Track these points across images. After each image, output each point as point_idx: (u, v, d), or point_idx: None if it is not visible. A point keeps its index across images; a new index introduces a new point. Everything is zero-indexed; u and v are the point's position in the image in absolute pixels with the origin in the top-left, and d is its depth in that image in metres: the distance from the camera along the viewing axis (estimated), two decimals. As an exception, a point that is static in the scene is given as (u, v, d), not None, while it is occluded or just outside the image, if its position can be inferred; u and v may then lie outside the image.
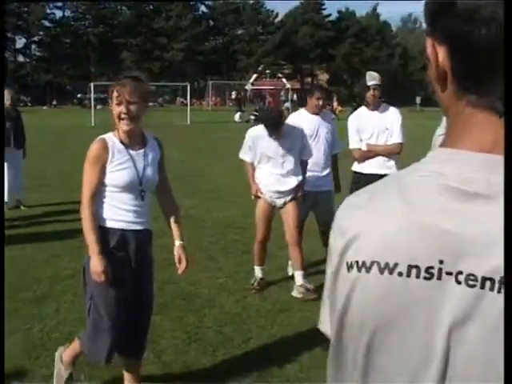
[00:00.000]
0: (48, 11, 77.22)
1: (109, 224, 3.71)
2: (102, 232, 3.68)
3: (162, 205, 4.09)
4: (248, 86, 59.41)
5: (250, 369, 4.61)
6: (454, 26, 0.82)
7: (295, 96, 55.06)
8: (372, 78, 6.56)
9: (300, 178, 6.14)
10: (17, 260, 7.32)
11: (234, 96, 50.93)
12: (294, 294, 6.13)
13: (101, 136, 3.75)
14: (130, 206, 3.74)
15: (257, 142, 6.22)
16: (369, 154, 6.51)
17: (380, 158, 6.47)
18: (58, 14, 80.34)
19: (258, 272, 6.44)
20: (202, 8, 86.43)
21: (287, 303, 5.99)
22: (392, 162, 6.50)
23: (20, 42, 77.56)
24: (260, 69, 79.02)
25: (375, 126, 6.53)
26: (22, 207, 10.32)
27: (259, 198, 6.27)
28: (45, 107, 57.20)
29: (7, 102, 10.20)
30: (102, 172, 3.64)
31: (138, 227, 3.79)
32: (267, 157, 6.14)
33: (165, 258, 7.30)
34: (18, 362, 4.63)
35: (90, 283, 3.73)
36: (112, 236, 3.71)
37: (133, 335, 3.95)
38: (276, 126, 5.93)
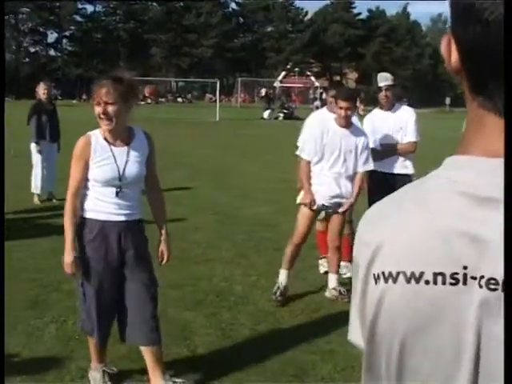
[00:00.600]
0: (79, 6, 77.92)
1: (90, 215, 3.89)
2: (85, 222, 3.90)
3: (149, 198, 4.22)
4: (276, 84, 59.38)
5: (285, 368, 4.60)
6: (465, 27, 0.83)
7: (324, 94, 54.82)
8: (383, 79, 6.53)
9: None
10: (57, 251, 7.37)
11: (263, 93, 50.93)
12: (327, 294, 6.10)
13: (88, 132, 3.91)
14: (110, 199, 3.88)
15: (324, 133, 5.84)
16: (382, 154, 6.46)
17: (395, 158, 6.45)
18: (90, 8, 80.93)
19: (283, 277, 6.02)
20: (232, 5, 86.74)
21: (321, 303, 5.95)
22: (408, 162, 6.49)
23: (52, 37, 78.46)
24: (289, 66, 79.00)
25: (389, 126, 6.51)
26: (54, 200, 10.40)
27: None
28: (74, 101, 57.61)
29: (43, 95, 10.28)
30: (85, 168, 3.83)
31: (119, 218, 3.92)
32: (331, 152, 5.83)
33: (196, 253, 7.39)
34: (54, 354, 4.66)
35: (80, 270, 3.94)
36: (94, 226, 3.88)
37: (133, 322, 4.05)
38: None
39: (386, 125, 6.53)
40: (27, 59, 77.45)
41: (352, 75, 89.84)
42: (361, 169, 5.90)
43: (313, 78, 64.57)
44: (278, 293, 5.93)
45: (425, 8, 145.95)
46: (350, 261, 5.81)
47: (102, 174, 3.83)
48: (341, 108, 5.69)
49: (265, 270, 6.83)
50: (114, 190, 3.87)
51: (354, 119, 6.51)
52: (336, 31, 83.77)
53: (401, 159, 6.47)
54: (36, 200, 10.38)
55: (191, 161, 15.76)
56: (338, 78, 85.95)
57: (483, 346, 0.81)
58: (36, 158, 10.47)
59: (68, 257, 3.85)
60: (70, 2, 74.03)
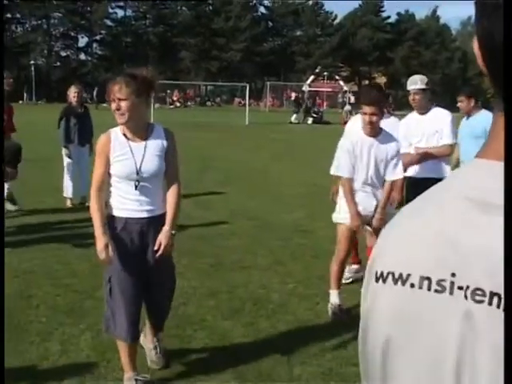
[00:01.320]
0: (110, 10, 78.36)
1: (115, 212, 4.05)
2: (110, 220, 4.05)
3: (167, 192, 4.22)
4: (305, 88, 59.23)
5: (328, 378, 4.46)
6: (484, 26, 0.80)
7: (353, 98, 54.52)
8: (412, 83, 6.40)
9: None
10: (89, 257, 7.32)
11: (293, 97, 50.83)
12: None
13: (110, 129, 4.10)
14: (131, 195, 4.03)
15: (354, 145, 5.42)
16: (417, 158, 6.30)
17: (430, 162, 6.26)
18: (120, 13, 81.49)
19: (334, 298, 5.70)
20: (261, 9, 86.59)
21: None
22: (443, 165, 6.33)
23: (82, 41, 79.17)
24: (317, 70, 78.73)
25: (424, 129, 6.35)
26: (86, 203, 10.34)
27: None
28: (104, 104, 57.99)
29: (73, 98, 10.23)
30: (107, 163, 4.00)
31: (141, 215, 4.04)
32: (362, 164, 5.43)
33: (232, 260, 7.26)
34: (91, 363, 4.56)
35: (107, 267, 4.07)
36: (118, 223, 4.04)
37: (149, 315, 4.39)
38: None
39: (420, 128, 6.39)
40: (58, 63, 78.14)
41: (381, 79, 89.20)
42: (388, 178, 5.44)
43: (341, 82, 64.33)
44: (333, 316, 5.67)
45: (455, 11, 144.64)
46: None
47: (120, 169, 3.99)
48: (365, 113, 5.24)
49: (302, 278, 6.69)
50: (132, 183, 4.00)
51: (392, 121, 6.36)
52: (365, 35, 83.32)
53: (435, 163, 6.29)
54: (68, 204, 10.33)
55: (223, 165, 15.65)
56: (366, 82, 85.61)
57: (465, 362, 0.75)
58: (66, 162, 10.41)
59: (100, 242, 3.92)
60: (101, 6, 74.58)
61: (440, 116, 6.40)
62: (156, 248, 4.03)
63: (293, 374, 4.52)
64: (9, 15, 74.02)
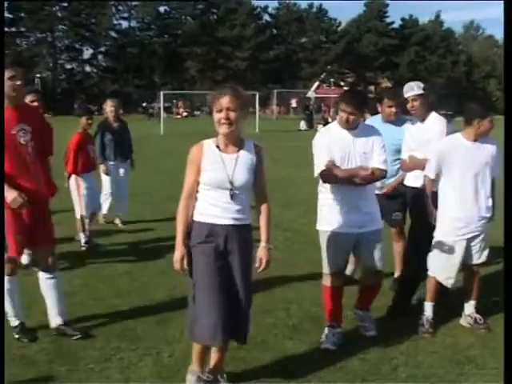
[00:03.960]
0: (115, 22, 78.34)
1: (201, 218, 4.12)
2: (195, 225, 4.14)
3: (256, 206, 4.33)
4: (311, 94, 59.06)
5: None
6: None
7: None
8: (409, 89, 6.10)
9: None
10: (131, 275, 7.13)
11: (293, 104, 50.62)
12: (462, 322, 5.66)
13: (202, 141, 4.19)
14: (219, 203, 4.09)
15: (454, 148, 5.44)
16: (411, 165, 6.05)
17: (418, 172, 5.88)
18: (125, 24, 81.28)
19: (428, 310, 5.57)
20: (266, 17, 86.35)
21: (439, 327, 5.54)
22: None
23: (87, 53, 78.76)
24: (323, 77, 78.60)
25: (419, 137, 6.02)
26: (119, 224, 10.03)
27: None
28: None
29: (110, 112, 9.79)
30: (198, 172, 4.10)
31: (228, 222, 4.09)
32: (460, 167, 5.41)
33: (278, 275, 6.98)
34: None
35: (191, 273, 4.14)
36: (203, 229, 4.11)
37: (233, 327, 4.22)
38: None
39: (416, 136, 6.08)
40: (63, 75, 78.10)
41: (386, 85, 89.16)
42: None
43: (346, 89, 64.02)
44: (426, 326, 5.49)
45: (456, 15, 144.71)
46: None
47: (212, 177, 4.08)
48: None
49: (354, 292, 6.41)
50: (227, 193, 4.08)
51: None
52: (370, 41, 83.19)
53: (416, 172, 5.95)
54: (101, 220, 9.97)
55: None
56: (372, 87, 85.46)
57: None
58: (103, 179, 9.96)
59: (177, 253, 4.09)
60: (106, 18, 74.54)
61: (434, 124, 6.03)
62: (258, 265, 4.23)
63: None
64: (13, 29, 74.10)
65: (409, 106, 6.08)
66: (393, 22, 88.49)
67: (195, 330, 4.13)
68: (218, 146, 4.15)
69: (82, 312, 5.84)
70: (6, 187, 4.76)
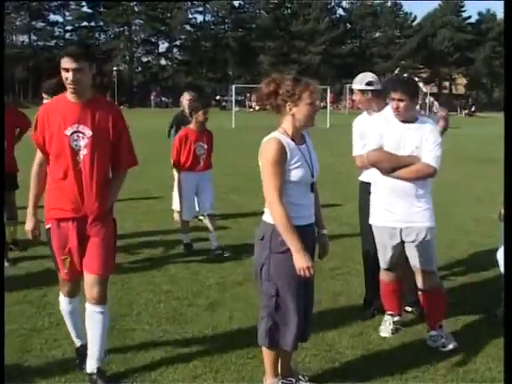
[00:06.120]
0: (190, 16, 79.40)
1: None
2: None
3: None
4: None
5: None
6: None
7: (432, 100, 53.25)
8: (358, 82, 5.71)
9: None
10: (187, 262, 7.33)
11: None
12: None
13: (272, 136, 3.86)
14: (305, 201, 3.93)
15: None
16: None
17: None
18: (199, 18, 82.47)
19: None
20: (340, 11, 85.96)
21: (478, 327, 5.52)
22: None
23: (163, 47, 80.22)
24: (396, 72, 77.50)
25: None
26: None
27: None
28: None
29: (187, 106, 8.86)
30: (283, 171, 3.79)
31: (313, 219, 4.03)
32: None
33: (331, 267, 7.05)
34: (198, 375, 4.44)
35: (273, 279, 3.89)
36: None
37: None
38: None
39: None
40: (140, 68, 79.63)
41: (461, 81, 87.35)
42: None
43: (421, 84, 62.89)
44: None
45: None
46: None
47: (299, 175, 3.83)
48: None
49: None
50: (306, 190, 3.93)
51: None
52: (445, 36, 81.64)
53: None
54: (176, 217, 8.85)
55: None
56: (446, 83, 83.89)
57: None
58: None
59: (304, 262, 3.74)
60: (181, 12, 75.56)
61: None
62: (322, 254, 4.24)
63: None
64: (93, 24, 76.02)
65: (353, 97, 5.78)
66: (469, 17, 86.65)
67: (278, 338, 4.00)
68: (293, 139, 3.88)
69: (135, 297, 6.08)
70: (30, 206, 4.33)
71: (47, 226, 4.24)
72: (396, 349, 4.98)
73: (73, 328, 4.56)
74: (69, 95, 4.13)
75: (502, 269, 5.32)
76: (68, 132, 4.10)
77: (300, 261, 3.73)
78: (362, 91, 5.73)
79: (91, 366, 4.29)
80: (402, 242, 5.05)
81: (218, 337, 5.14)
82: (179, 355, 4.75)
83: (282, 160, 3.76)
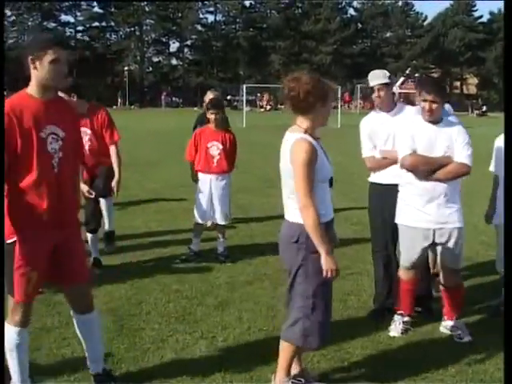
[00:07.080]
0: (201, 16, 79.37)
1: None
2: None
3: None
4: (395, 89, 58.13)
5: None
6: None
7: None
8: (375, 77, 5.62)
9: None
10: (198, 265, 7.32)
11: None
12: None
13: (300, 137, 3.85)
14: (327, 197, 3.98)
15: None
16: (383, 162, 5.55)
17: (397, 167, 5.25)
18: (210, 18, 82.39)
19: None
20: (351, 11, 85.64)
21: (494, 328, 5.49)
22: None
23: (173, 47, 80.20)
24: (407, 72, 77.28)
25: (388, 130, 5.55)
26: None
27: None
28: (195, 108, 58.63)
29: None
30: (315, 170, 3.81)
31: (332, 216, 4.03)
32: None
33: (344, 265, 7.01)
34: (207, 374, 4.42)
35: (311, 280, 3.91)
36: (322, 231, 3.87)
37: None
38: None
39: (384, 129, 5.59)
40: (150, 68, 79.75)
41: (472, 80, 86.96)
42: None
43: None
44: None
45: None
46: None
47: (324, 172, 3.89)
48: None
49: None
50: (327, 185, 3.99)
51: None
52: (456, 36, 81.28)
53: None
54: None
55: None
56: (458, 83, 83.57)
57: None
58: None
59: (332, 264, 3.81)
60: (192, 12, 75.61)
61: (408, 116, 5.55)
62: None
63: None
64: (104, 24, 76.19)
65: (374, 95, 5.64)
66: (481, 16, 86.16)
67: (312, 339, 4.00)
68: (313, 137, 3.92)
69: (145, 296, 6.08)
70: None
71: (11, 240, 3.69)
72: (405, 349, 4.97)
73: (18, 367, 3.89)
74: (33, 91, 3.70)
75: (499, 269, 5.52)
76: (43, 134, 3.67)
77: (329, 262, 3.79)
78: (387, 85, 5.58)
79: (96, 368, 4.22)
80: (434, 244, 5.07)
81: (227, 336, 5.13)
82: (188, 354, 4.76)
83: (314, 160, 3.79)
